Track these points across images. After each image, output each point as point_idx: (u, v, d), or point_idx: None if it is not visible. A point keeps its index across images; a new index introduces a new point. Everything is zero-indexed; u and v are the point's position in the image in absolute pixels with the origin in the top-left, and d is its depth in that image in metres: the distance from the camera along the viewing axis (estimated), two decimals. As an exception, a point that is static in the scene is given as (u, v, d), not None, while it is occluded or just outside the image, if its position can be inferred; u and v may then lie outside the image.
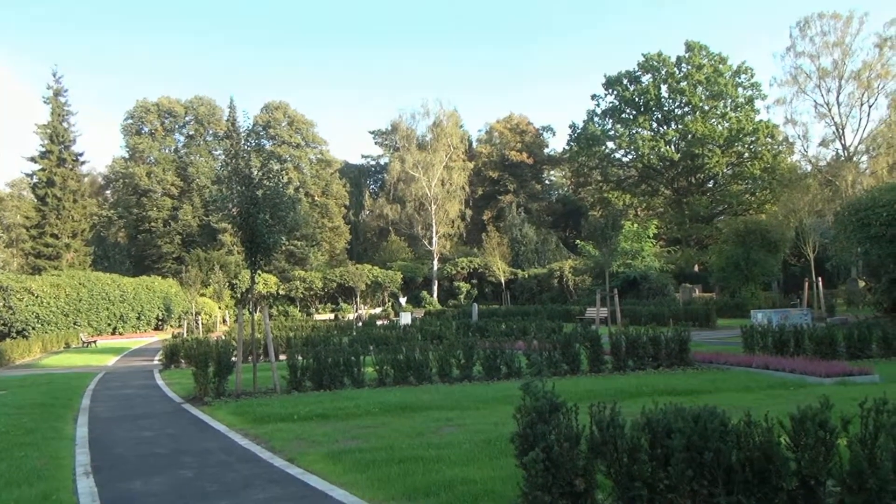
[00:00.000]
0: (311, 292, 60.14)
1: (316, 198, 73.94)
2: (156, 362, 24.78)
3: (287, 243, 60.92)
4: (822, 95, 57.91)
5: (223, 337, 26.61)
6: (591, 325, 28.76)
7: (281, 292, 59.52)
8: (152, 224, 68.14)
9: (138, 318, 46.16)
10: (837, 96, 57.32)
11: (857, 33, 56.70)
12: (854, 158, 56.71)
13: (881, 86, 56.00)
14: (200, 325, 41.54)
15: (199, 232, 69.15)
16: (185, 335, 32.81)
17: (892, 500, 4.53)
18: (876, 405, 4.73)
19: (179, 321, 46.34)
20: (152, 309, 47.33)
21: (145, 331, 46.02)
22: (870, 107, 56.68)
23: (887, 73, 55.43)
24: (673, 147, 67.87)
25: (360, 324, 40.12)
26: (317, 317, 54.64)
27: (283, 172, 16.01)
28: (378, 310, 58.14)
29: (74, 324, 40.83)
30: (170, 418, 12.07)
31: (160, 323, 48.29)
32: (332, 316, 55.38)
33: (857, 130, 57.48)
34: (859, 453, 4.65)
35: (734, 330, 25.04)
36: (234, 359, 15.24)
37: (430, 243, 67.22)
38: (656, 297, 44.18)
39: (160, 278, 52.57)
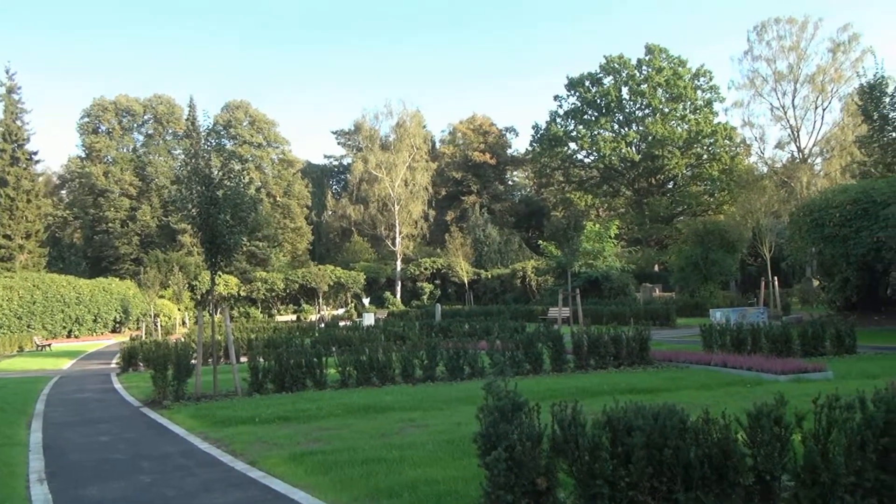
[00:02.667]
0: (273, 293, 59.58)
1: (278, 198, 73.26)
2: (113, 365, 24.31)
3: (248, 244, 60.32)
4: (778, 98, 59.31)
5: (183, 339, 26.19)
6: (554, 324, 28.98)
7: (242, 294, 58.86)
8: (109, 225, 66.79)
9: (95, 321, 45.26)
10: (793, 99, 58.73)
11: (812, 38, 58.19)
12: (809, 160, 58.07)
13: (834, 89, 57.50)
14: (159, 328, 40.89)
15: (157, 233, 68.01)
16: (143, 338, 32.25)
17: (845, 494, 4.64)
18: (829, 401, 4.85)
19: (137, 323, 45.55)
20: (109, 311, 46.44)
21: (102, 333, 45.14)
22: (824, 110, 58.22)
23: (840, 76, 56.88)
24: (634, 148, 68.75)
25: (323, 325, 39.87)
26: (279, 318, 54.16)
27: (244, 172, 15.83)
28: (341, 311, 57.83)
29: (28, 327, 39.89)
30: (127, 422, 11.86)
31: (118, 325, 47.41)
32: (294, 317, 54.95)
33: (812, 133, 58.98)
34: (813, 448, 4.76)
35: (693, 329, 25.45)
36: (193, 361, 15.03)
37: (394, 244, 67.07)
38: (617, 296, 44.65)
39: (118, 280, 51.62)
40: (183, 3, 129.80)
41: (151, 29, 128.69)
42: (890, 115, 34.55)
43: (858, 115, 41.40)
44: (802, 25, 58.14)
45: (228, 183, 14.68)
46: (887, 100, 34.53)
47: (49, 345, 35.91)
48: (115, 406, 14.11)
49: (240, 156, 68.97)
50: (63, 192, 78.42)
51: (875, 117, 35.08)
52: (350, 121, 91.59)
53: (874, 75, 35.43)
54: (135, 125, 73.61)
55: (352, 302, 60.98)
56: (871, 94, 35.05)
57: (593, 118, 70.20)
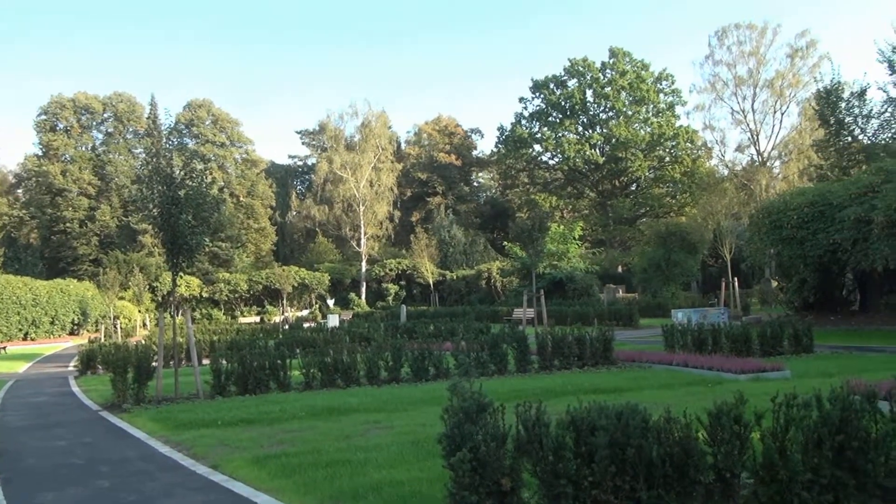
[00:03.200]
0: (236, 295, 58.96)
1: (241, 198, 72.46)
2: (71, 368, 23.82)
3: (211, 245, 59.54)
4: (739, 102, 60.31)
5: (143, 342, 25.77)
6: (519, 325, 29.13)
7: (204, 295, 58.14)
8: (67, 225, 65.39)
9: (52, 323, 44.29)
10: (752, 103, 59.80)
11: (771, 43, 59.34)
12: (768, 163, 59.22)
13: (792, 94, 58.68)
14: (119, 330, 40.16)
15: (117, 233, 66.78)
16: (102, 340, 31.65)
17: (802, 490, 4.74)
18: (786, 399, 4.94)
19: (96, 326, 44.67)
20: (67, 313, 45.49)
21: (60, 336, 44.19)
22: (782, 114, 59.35)
23: (798, 81, 58.07)
24: (598, 150, 69.51)
25: (287, 326, 39.55)
26: (242, 320, 53.60)
27: (207, 172, 15.68)
28: (305, 312, 57.43)
29: (-18, 329, 38.86)
30: (86, 426, 11.63)
31: (76, 328, 46.45)
32: (257, 319, 54.43)
33: (771, 137, 60.11)
34: (771, 446, 4.85)
35: (656, 329, 25.76)
36: (154, 364, 14.79)
37: (359, 245, 66.83)
38: (581, 297, 45.05)
39: (76, 281, 50.56)
40: (144, 2, 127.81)
41: (113, 28, 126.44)
42: (846, 120, 35.42)
43: (815, 120, 42.28)
44: (762, 31, 59.30)
45: (190, 183, 14.49)
46: (843, 105, 35.41)
47: (4, 348, 35.04)
48: (73, 410, 13.82)
49: (202, 155, 68.09)
50: (19, 191, 76.53)
51: (831, 122, 35.94)
52: (315, 121, 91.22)
53: (831, 81, 36.28)
54: (94, 123, 72.16)
55: (316, 303, 60.61)
56: (828, 99, 35.90)
57: (558, 120, 70.79)
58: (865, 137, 35.58)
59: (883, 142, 34.66)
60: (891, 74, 33.64)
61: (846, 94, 35.50)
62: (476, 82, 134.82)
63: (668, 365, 16.05)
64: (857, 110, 35.20)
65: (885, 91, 34.55)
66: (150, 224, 15.63)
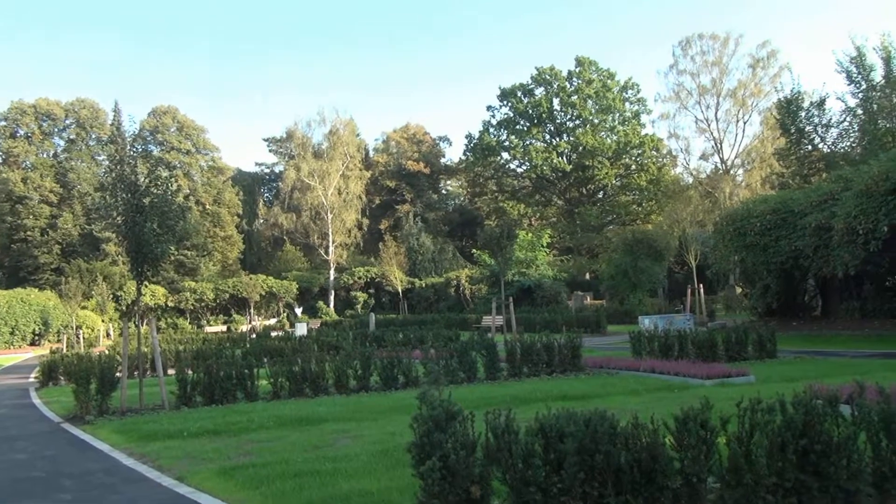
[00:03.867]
0: (203, 304, 58.26)
1: (207, 206, 71.68)
2: (31, 380, 23.27)
3: (176, 253, 58.77)
4: (703, 111, 61.19)
5: (107, 352, 25.31)
6: (488, 332, 29.16)
7: (170, 304, 57.35)
8: (28, 233, 64.06)
9: (12, 334, 43.35)
10: (716, 112, 60.71)
11: (734, 53, 60.33)
12: (731, 172, 60.13)
13: (754, 104, 59.71)
14: (81, 340, 39.44)
15: (80, 241, 65.59)
16: (64, 350, 31.04)
17: (767, 494, 4.81)
18: (751, 404, 5.02)
19: (58, 336, 43.81)
20: (28, 323, 44.56)
21: (20, 347, 43.24)
22: (745, 123, 60.33)
23: (760, 91, 59.16)
24: (565, 158, 70.06)
25: (254, 335, 39.19)
26: (208, 329, 52.93)
27: (172, 179, 15.45)
28: (273, 321, 56.95)
29: (-62, 340, 37.87)
30: (47, 439, 11.37)
31: (37, 338, 45.50)
32: (224, 328, 53.81)
33: (734, 145, 61.05)
34: (736, 450, 4.91)
35: (623, 335, 25.98)
36: (118, 374, 14.53)
37: (327, 253, 66.50)
38: (550, 304, 45.29)
39: (37, 291, 49.58)
40: (109, 9, 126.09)
41: (76, 33, 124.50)
42: (806, 129, 36.12)
43: (777, 129, 43.07)
44: (724, 41, 60.30)
45: (155, 190, 14.29)
46: (803, 114, 36.11)
47: (-39, 359, 34.20)
48: (33, 422, 13.51)
49: (167, 162, 67.21)
50: (-23, 198, 74.85)
51: (792, 131, 36.63)
52: (282, 128, 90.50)
53: (791, 91, 36.98)
54: (56, 130, 70.94)
55: (284, 312, 60.14)
56: (789, 108, 36.60)
57: (525, 128, 71.30)
58: (825, 146, 36.33)
59: (842, 150, 35.42)
60: (849, 84, 34.51)
61: (806, 104, 36.20)
62: (444, 90, 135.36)
63: (635, 371, 16.19)
64: (816, 120, 35.92)
65: (843, 101, 35.34)
66: (113, 232, 15.40)
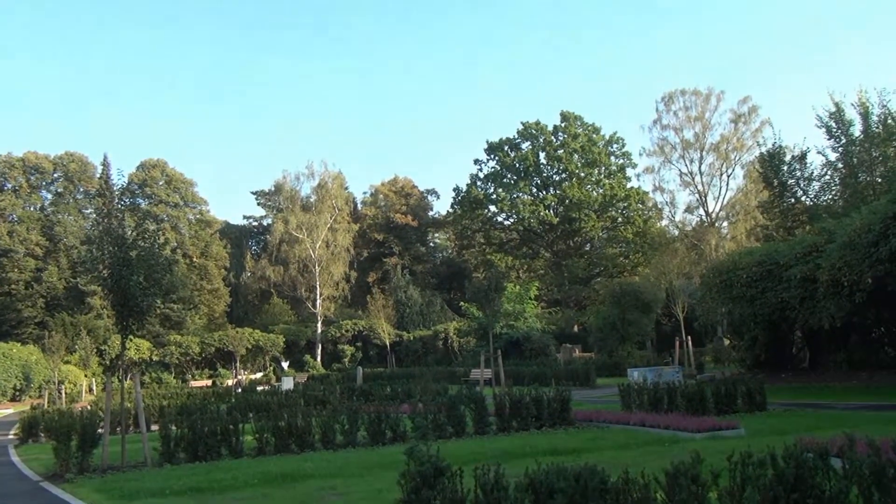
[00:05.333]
0: (188, 358, 57.60)
1: (194, 259, 71.48)
2: (11, 437, 22.78)
3: (162, 306, 58.31)
4: (687, 165, 62.15)
5: (89, 407, 24.88)
6: (476, 386, 28.93)
7: (154, 358, 56.67)
8: (13, 287, 63.45)
9: (-8, 389, 42.57)
10: (700, 166, 61.69)
11: (716, 109, 61.66)
12: (716, 224, 60.82)
13: (737, 157, 60.81)
14: (63, 395, 38.78)
15: (65, 295, 65.03)
16: (45, 406, 30.48)
17: (760, 550, 4.74)
18: (742, 458, 4.98)
19: (40, 391, 43.06)
20: (9, 378, 43.80)
21: (0, 403, 42.42)
22: (728, 176, 61.27)
23: (742, 145, 60.26)
24: (552, 211, 70.67)
25: (240, 390, 38.69)
26: (193, 384, 52.18)
27: (160, 232, 15.44)
28: (259, 375, 56.32)
29: (-83, 396, 37.11)
30: (25, 499, 11.08)
31: (17, 393, 44.69)
32: (209, 382, 53.09)
33: (719, 198, 61.89)
34: (728, 505, 4.86)
35: (613, 388, 25.83)
36: (100, 430, 14.26)
37: (314, 306, 66.23)
38: (538, 357, 45.12)
39: (19, 345, 48.89)
40: (96, 60, 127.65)
41: (66, 87, 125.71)
42: (788, 182, 36.65)
43: (760, 182, 43.66)
44: (706, 97, 61.63)
45: (142, 243, 14.27)
46: (785, 168, 36.68)
47: (-61, 416, 33.49)
48: (11, 481, 13.18)
49: (155, 215, 67.25)
50: (-38, 252, 74.33)
51: (775, 184, 37.15)
52: (271, 181, 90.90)
53: (773, 145, 37.58)
54: (44, 183, 70.93)
55: (270, 366, 59.55)
56: (771, 162, 37.20)
57: (512, 182, 72.04)
58: (808, 199, 36.81)
59: (824, 203, 35.89)
60: (829, 139, 35.19)
61: (788, 158, 36.79)
62: (432, 144, 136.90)
63: (625, 424, 16.05)
64: (798, 173, 36.47)
65: (823, 155, 35.96)
66: (99, 286, 15.29)
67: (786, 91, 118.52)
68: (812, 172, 36.27)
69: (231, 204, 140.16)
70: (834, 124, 34.79)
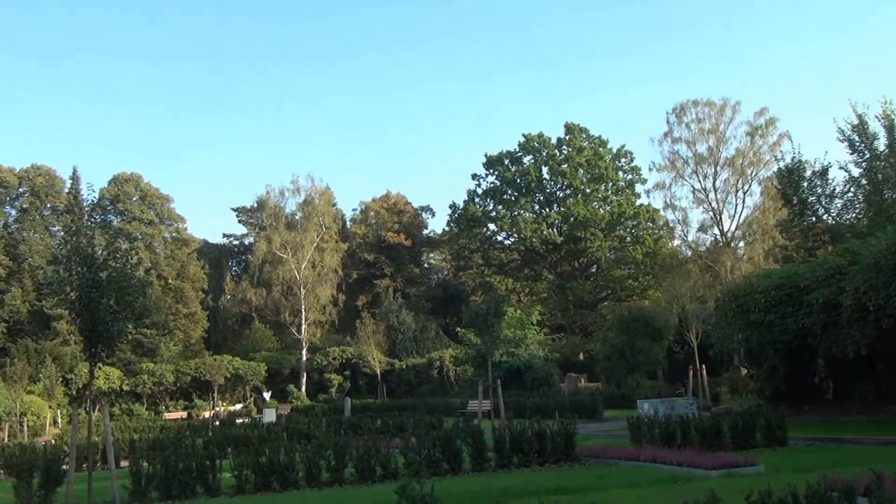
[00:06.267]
0: (162, 387, 57.29)
1: (170, 280, 71.34)
2: (-33, 474, 22.59)
3: (134, 332, 58.03)
4: (700, 181, 62.26)
5: (53, 441, 24.71)
6: (474, 418, 28.83)
7: (125, 388, 56.37)
8: (-29, 310, 63.27)
9: (-52, 422, 42.21)
10: (714, 182, 61.80)
11: (731, 121, 61.90)
12: (732, 244, 60.92)
13: (754, 173, 60.92)
14: (26, 428, 38.52)
15: (29, 319, 64.76)
16: (5, 440, 30.28)
17: None
18: (761, 497, 4.96)
19: (0, 424, 42.77)
20: (-34, 410, 43.48)
21: (-44, 436, 42.10)
22: (744, 193, 61.36)
23: (759, 160, 60.44)
24: (555, 230, 70.73)
25: (218, 423, 38.51)
26: (167, 415, 51.95)
27: (133, 252, 15.45)
28: (238, 406, 56.05)
29: None
30: (-18, 541, 10.97)
31: (-25, 427, 44.36)
32: (184, 414, 52.82)
33: (734, 216, 61.98)
34: (747, 549, 4.83)
35: (621, 421, 25.77)
36: (65, 467, 14.16)
37: (299, 331, 66.04)
38: (541, 387, 45.01)
39: (-22, 374, 48.58)
40: (66, 69, 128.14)
41: (37, 97, 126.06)
42: (809, 200, 36.73)
43: (778, 199, 43.77)
44: (721, 108, 61.90)
45: (114, 264, 14.25)
46: (805, 184, 36.78)
47: None
48: (-33, 522, 13.06)
49: (128, 233, 67.20)
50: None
51: (794, 202, 37.24)
52: (253, 196, 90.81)
53: (791, 159, 37.68)
54: (8, 198, 70.89)
55: (251, 396, 59.26)
56: (790, 178, 37.30)
57: (513, 198, 72.14)
58: (829, 217, 36.89)
59: (847, 222, 35.95)
60: (851, 153, 35.28)
61: (808, 174, 36.88)
62: (427, 157, 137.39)
63: (634, 461, 16.00)
64: (819, 190, 36.54)
65: (846, 170, 35.99)
66: (66, 309, 15.25)
67: (804, 101, 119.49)
68: (834, 189, 36.35)
69: (210, 221, 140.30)
70: (857, 138, 34.91)
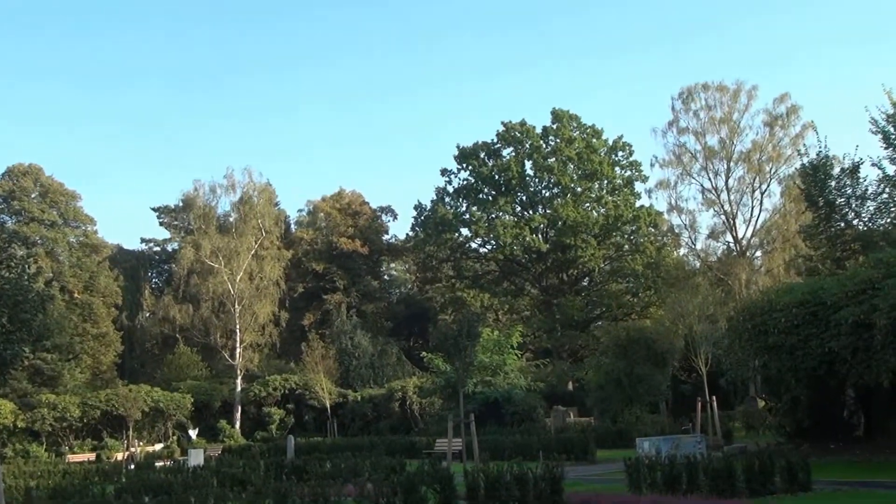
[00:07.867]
0: (65, 424, 56.53)
1: (76, 294, 70.48)
2: None
3: (31, 356, 57.32)
4: (710, 179, 62.61)
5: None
6: (443, 461, 28.80)
7: (20, 424, 55.51)
8: None
9: None
10: (727, 180, 62.12)
11: (746, 109, 62.28)
12: (747, 253, 61.38)
13: (773, 170, 61.15)
14: None
15: None
16: None
17: None
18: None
19: None
20: None
21: None
22: (762, 193, 61.67)
23: (779, 155, 60.71)
24: (540, 236, 70.85)
25: (133, 466, 38.17)
26: (71, 458, 51.27)
27: (31, 260, 15.29)
28: (158, 446, 55.60)
29: None
30: None
31: None
32: (92, 456, 52.21)
33: (750, 221, 62.29)
34: None
35: (617, 463, 25.85)
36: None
37: (233, 356, 65.61)
38: (522, 423, 45.05)
39: None
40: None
41: None
42: (837, 202, 37.01)
43: (801, 201, 44.17)
44: (734, 94, 62.25)
45: (7, 274, 14.11)
46: (833, 184, 37.02)
47: None
48: None
49: (25, 237, 66.34)
50: None
51: (820, 204, 37.50)
52: (178, 194, 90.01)
53: (817, 154, 37.92)
54: None
55: (174, 434, 58.79)
56: (815, 176, 37.53)
57: (490, 198, 72.19)
58: (861, 223, 37.21)
59: (881, 228, 36.28)
60: (885, 148, 35.63)
61: (836, 171, 37.14)
62: (388, 149, 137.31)
63: (633, 510, 16.10)
64: (849, 191, 36.81)
65: (880, 168, 36.26)
66: (-52, 329, 14.98)
67: (833, 88, 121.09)
68: (866, 189, 36.70)
69: (125, 223, 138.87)
70: (892, 129, 35.35)
